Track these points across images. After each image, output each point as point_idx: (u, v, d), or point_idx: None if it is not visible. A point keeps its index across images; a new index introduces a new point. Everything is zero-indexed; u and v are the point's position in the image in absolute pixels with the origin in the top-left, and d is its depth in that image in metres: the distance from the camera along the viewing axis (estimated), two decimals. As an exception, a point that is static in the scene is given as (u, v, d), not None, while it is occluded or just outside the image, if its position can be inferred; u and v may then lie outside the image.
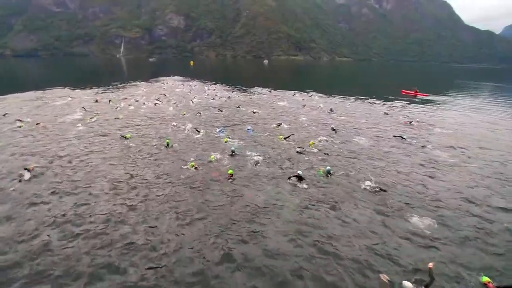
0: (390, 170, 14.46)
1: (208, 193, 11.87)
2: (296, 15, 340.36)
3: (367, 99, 39.31)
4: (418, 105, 36.41)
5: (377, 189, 11.99)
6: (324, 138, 19.18)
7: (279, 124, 22.49)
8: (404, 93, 46.55)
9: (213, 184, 12.57)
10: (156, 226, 9.58)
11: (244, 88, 49.10)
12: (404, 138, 19.48)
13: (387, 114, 28.57)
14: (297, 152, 16.49)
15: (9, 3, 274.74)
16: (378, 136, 20.62)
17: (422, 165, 15.31)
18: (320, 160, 15.58)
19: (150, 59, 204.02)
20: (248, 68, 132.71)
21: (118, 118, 24.30)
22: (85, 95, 36.89)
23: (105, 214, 10.21)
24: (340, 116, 27.12)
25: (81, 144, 17.69)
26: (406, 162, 15.60)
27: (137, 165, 14.50)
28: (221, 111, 27.82)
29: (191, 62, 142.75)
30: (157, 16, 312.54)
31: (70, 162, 14.79)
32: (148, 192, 11.82)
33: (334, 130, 21.37)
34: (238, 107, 30.09)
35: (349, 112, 29.42)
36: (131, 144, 17.66)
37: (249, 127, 21.49)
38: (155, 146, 17.28)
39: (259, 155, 15.75)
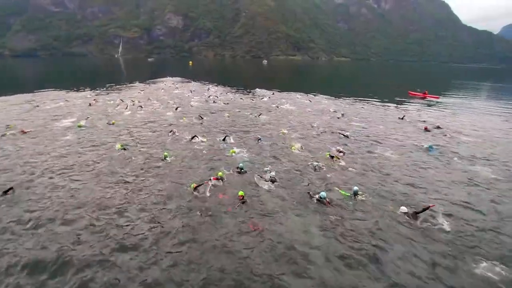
0: (427, 192, 12.05)
1: (213, 224, 9.58)
2: (295, 15, 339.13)
3: (376, 101, 37.74)
4: (431, 108, 34.38)
5: (418, 217, 9.78)
6: (340, 148, 17.02)
7: (286, 132, 20.82)
8: (411, 95, 44.75)
9: (220, 211, 10.32)
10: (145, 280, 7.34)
11: (245, 89, 47.38)
12: (431, 149, 17.39)
13: (402, 118, 26.36)
14: (315, 167, 14.27)
15: (8, 3, 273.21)
16: (401, 146, 18.44)
17: (466, 184, 12.86)
18: (342, 176, 13.47)
19: (149, 59, 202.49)
20: (247, 69, 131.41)
21: (111, 124, 22.42)
22: (79, 98, 34.79)
23: (87, 260, 7.80)
24: (353, 122, 25.12)
25: (68, 156, 15.57)
26: (443, 180, 13.18)
27: (129, 187, 12.11)
28: (228, 116, 25.93)
29: (190, 62, 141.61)
30: (156, 16, 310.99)
31: (51, 178, 12.63)
32: (140, 228, 9.25)
33: (347, 136, 19.73)
34: (239, 111, 28.30)
35: (362, 117, 27.36)
36: (124, 157, 15.53)
37: (259, 136, 19.34)
38: (151, 160, 15.16)
39: (272, 171, 13.53)
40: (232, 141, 19.57)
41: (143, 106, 29.13)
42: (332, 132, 21.42)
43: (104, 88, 44.97)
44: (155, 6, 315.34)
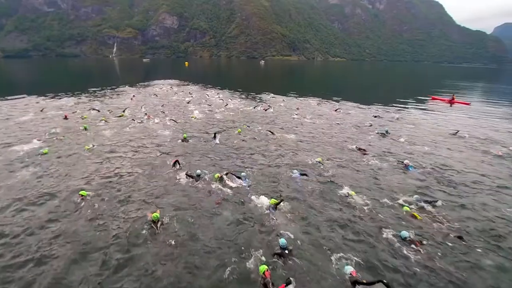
0: None
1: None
2: (290, 15, 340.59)
3: (402, 107, 33.91)
4: (474, 119, 28.24)
5: None
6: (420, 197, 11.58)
7: (323, 162, 15.25)
8: (435, 100, 39.79)
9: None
10: None
11: (250, 94, 41.75)
12: None
13: (456, 134, 21.67)
14: (405, 239, 8.89)
15: (0, 3, 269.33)
16: (499, 188, 12.89)
17: None
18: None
19: (144, 60, 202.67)
20: (245, 69, 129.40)
21: (87, 148, 16.48)
22: (54, 108, 28.06)
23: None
24: (406, 143, 19.54)
25: (13, 208, 10.34)
26: None
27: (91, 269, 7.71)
28: (239, 133, 20.63)
29: (186, 63, 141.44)
30: (150, 16, 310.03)
31: None
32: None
33: (404, 164, 14.88)
34: (249, 126, 22.71)
35: (409, 134, 21.70)
36: (91, 207, 10.45)
37: (296, 171, 13.74)
38: (136, 222, 9.66)
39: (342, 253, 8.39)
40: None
41: (135, 120, 23.81)
42: (394, 166, 15.19)
43: (90, 94, 38.97)
44: (149, 6, 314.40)
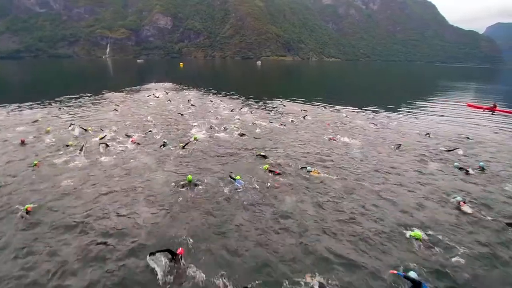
0: None
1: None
2: (285, 16, 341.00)
3: (448, 118, 29.32)
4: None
5: None
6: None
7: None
8: (471, 107, 35.51)
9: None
10: None
11: (259, 101, 36.33)
12: None
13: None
14: None
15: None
16: None
17: None
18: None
19: (138, 60, 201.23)
20: (242, 70, 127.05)
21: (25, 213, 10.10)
22: (10, 126, 21.64)
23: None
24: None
25: None
26: None
27: None
28: (276, 186, 12.76)
29: (181, 64, 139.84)
30: (144, 16, 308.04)
31: None
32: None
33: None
34: (277, 159, 15.98)
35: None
36: None
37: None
38: None
39: None
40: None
41: (109, 145, 17.40)
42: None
43: (70, 102, 32.85)
44: (143, 6, 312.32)
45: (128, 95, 39.46)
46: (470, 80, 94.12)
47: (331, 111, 31.87)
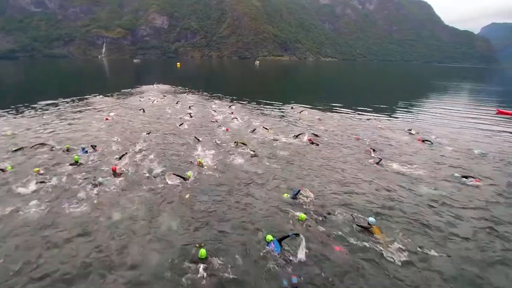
0: None
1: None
2: (281, 15, 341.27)
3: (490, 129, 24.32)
4: None
5: None
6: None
7: None
8: (503, 114, 30.03)
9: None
10: None
11: (269, 106, 32.28)
12: None
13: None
14: None
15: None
16: None
17: None
18: None
19: (135, 60, 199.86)
20: (241, 71, 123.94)
21: None
22: None
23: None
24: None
25: None
26: None
27: None
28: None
29: (178, 64, 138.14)
30: (140, 16, 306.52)
31: None
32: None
33: None
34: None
35: None
36: None
37: None
38: None
39: None
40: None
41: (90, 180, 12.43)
42: None
43: (49, 111, 27.16)
44: (138, 6, 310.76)
45: (120, 100, 34.41)
46: (477, 81, 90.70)
47: (349, 117, 27.72)
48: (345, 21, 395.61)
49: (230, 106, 30.99)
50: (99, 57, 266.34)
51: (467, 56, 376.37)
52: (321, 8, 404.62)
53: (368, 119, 26.93)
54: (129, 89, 45.29)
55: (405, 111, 32.85)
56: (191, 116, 25.69)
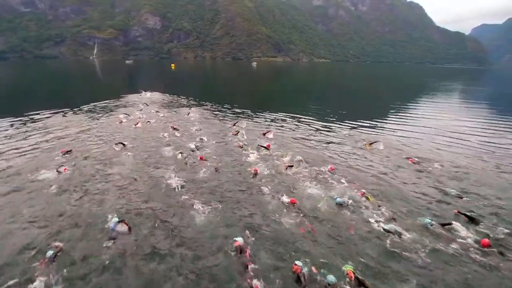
0: None
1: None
2: (274, 16, 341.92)
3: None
4: None
5: None
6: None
7: None
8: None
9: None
10: None
11: (283, 118, 26.78)
12: None
13: None
14: None
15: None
16: None
17: None
18: None
19: (127, 61, 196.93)
20: (239, 73, 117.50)
21: None
22: None
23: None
24: None
25: None
26: None
27: None
28: None
29: (172, 65, 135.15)
30: (132, 16, 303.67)
31: None
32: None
33: None
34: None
35: None
36: None
37: None
38: None
39: None
40: None
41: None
42: None
43: None
44: (131, 6, 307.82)
45: (92, 122, 23.69)
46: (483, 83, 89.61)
47: (387, 132, 23.02)
48: (338, 22, 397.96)
49: (265, 134, 20.05)
50: (91, 58, 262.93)
51: (459, 57, 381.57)
52: (314, 9, 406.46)
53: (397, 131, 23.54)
54: (110, 100, 34.48)
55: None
56: (196, 148, 16.88)
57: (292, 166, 14.01)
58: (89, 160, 15.20)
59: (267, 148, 16.54)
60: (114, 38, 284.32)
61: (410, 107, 37.73)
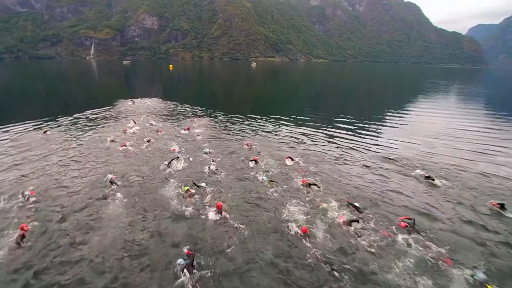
0: None
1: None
2: (272, 17, 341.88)
3: None
4: None
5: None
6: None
7: None
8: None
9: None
10: None
11: (313, 133, 22.51)
12: None
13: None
14: None
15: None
16: None
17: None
18: None
19: (124, 62, 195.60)
20: (239, 74, 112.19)
21: None
22: None
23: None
24: None
25: None
26: None
27: None
28: None
29: (170, 66, 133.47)
30: (129, 16, 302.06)
31: None
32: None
33: None
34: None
35: None
36: None
37: None
38: None
39: None
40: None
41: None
42: None
43: None
44: (128, 6, 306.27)
45: (79, 140, 19.26)
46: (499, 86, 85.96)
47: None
48: (336, 22, 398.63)
49: (295, 161, 15.71)
50: (87, 58, 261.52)
51: (455, 57, 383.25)
52: (312, 10, 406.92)
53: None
54: (94, 110, 28.77)
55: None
56: (198, 189, 12.14)
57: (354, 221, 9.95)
58: (58, 218, 10.00)
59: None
60: (111, 38, 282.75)
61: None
